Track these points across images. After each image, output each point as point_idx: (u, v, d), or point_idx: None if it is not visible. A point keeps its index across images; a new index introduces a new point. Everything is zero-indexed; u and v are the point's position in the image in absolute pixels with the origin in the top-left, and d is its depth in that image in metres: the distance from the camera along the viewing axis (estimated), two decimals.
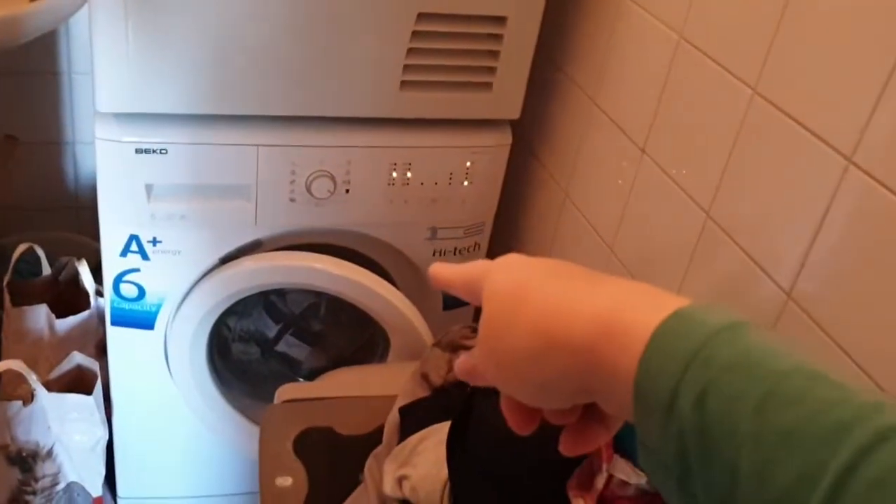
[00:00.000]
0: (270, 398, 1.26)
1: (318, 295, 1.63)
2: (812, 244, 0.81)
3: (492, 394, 0.87)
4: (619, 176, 1.19)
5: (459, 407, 0.85)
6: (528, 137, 1.46)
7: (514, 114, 1.34)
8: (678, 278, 1.03)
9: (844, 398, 0.32)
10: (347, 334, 1.65)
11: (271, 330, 1.64)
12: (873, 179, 0.74)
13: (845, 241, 0.78)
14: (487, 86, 1.29)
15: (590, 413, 0.45)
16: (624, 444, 0.84)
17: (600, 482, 0.84)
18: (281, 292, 1.64)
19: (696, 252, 1.00)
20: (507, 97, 1.32)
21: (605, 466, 0.84)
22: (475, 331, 1.12)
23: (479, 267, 0.47)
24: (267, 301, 1.64)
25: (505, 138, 1.37)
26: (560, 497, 0.84)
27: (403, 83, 1.25)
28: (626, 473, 0.83)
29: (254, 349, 1.64)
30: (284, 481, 0.96)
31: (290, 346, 1.63)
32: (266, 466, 1.00)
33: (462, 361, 0.49)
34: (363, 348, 1.59)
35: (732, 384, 0.34)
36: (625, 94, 1.18)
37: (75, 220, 1.85)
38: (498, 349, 0.44)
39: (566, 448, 0.46)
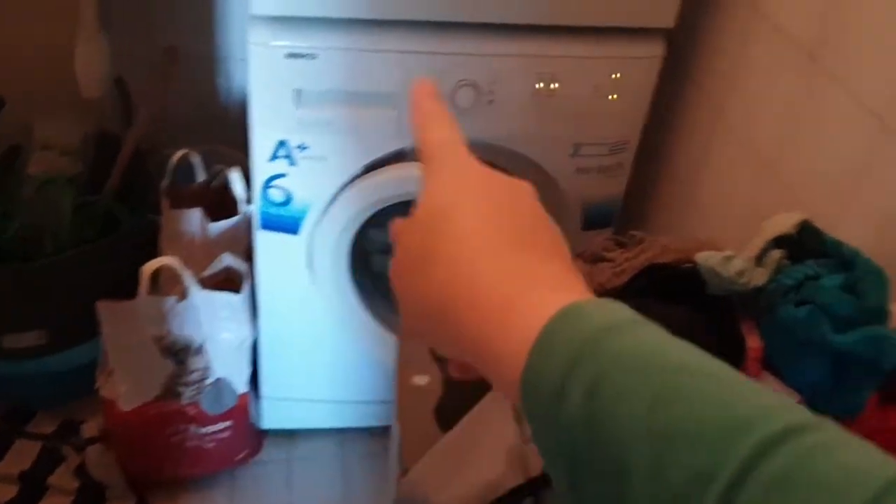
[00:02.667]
0: None
1: None
2: None
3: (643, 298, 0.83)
4: (782, 90, 1.11)
5: None
6: (680, 50, 1.38)
7: (669, 21, 1.27)
8: (846, 199, 0.95)
9: (745, 397, 0.30)
10: None
11: None
12: None
13: None
14: None
15: None
16: (775, 361, 0.80)
17: None
18: None
19: (871, 170, 0.91)
20: (662, 3, 1.25)
21: None
22: (618, 243, 1.09)
23: (444, 136, 0.45)
24: (409, 214, 1.66)
25: (656, 49, 1.30)
26: None
27: None
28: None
29: None
30: (421, 380, 0.98)
31: None
32: (404, 364, 1.01)
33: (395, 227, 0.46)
34: None
35: (624, 379, 0.31)
36: None
37: (223, 132, 1.91)
38: (403, 287, 0.43)
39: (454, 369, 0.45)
